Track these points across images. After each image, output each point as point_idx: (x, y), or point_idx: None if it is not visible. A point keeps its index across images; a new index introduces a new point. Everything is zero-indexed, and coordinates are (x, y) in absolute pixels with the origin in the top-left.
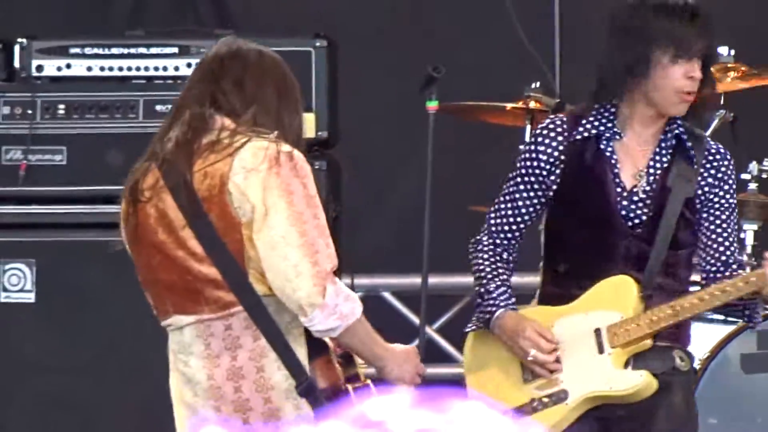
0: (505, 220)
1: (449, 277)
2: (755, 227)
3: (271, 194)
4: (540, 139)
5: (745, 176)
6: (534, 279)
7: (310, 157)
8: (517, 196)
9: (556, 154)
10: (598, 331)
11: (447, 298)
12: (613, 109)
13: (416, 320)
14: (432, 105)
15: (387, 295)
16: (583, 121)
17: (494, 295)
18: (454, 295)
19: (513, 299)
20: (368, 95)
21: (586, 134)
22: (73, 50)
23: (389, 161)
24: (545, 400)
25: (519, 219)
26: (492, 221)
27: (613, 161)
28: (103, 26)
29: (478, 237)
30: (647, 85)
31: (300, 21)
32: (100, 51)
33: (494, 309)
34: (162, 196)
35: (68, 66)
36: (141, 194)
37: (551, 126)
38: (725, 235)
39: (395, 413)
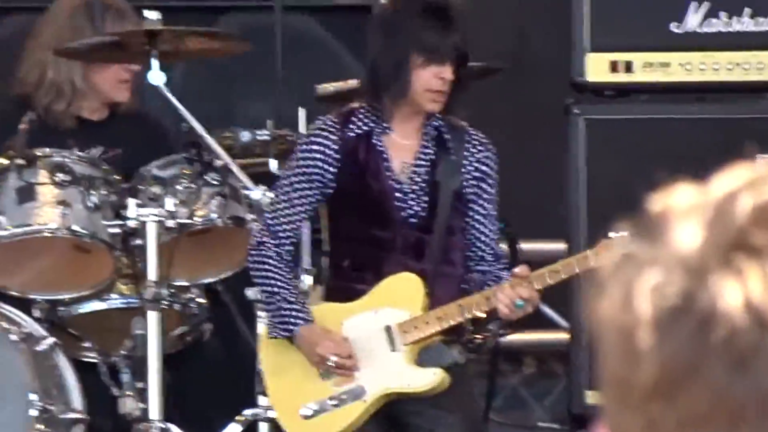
0: (285, 220)
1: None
2: None
3: None
4: (314, 139)
5: None
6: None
7: None
8: (296, 195)
9: (331, 152)
10: (388, 329)
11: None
12: (378, 106)
13: None
14: None
15: None
16: (353, 119)
17: (295, 307)
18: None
19: (310, 310)
20: None
21: (358, 131)
22: None
23: None
24: (343, 396)
25: (298, 219)
26: (271, 222)
27: (384, 156)
28: None
29: (259, 239)
30: (406, 84)
31: None
32: None
33: (297, 322)
34: None
35: None
36: None
37: (323, 126)
38: (492, 227)
39: None
